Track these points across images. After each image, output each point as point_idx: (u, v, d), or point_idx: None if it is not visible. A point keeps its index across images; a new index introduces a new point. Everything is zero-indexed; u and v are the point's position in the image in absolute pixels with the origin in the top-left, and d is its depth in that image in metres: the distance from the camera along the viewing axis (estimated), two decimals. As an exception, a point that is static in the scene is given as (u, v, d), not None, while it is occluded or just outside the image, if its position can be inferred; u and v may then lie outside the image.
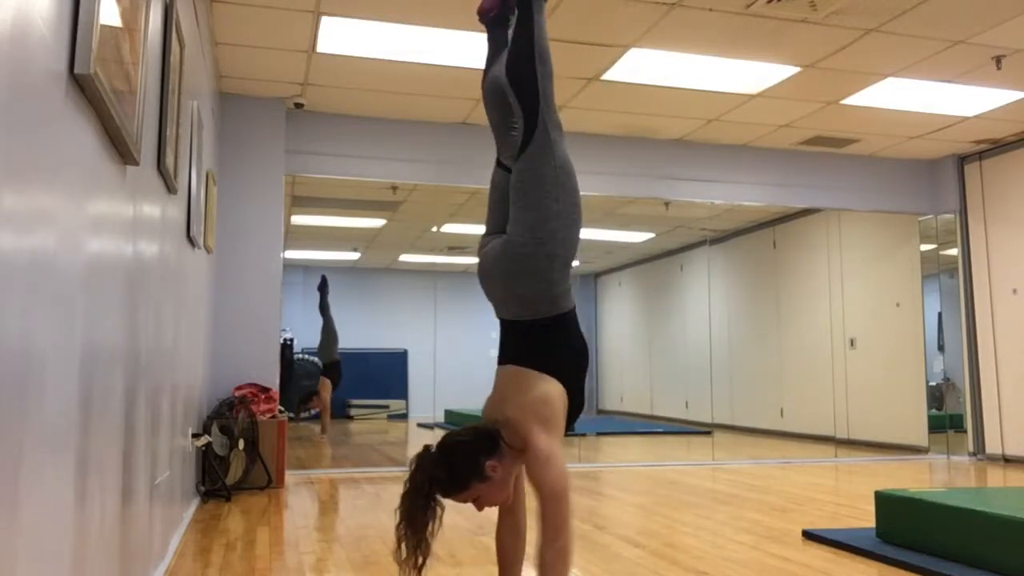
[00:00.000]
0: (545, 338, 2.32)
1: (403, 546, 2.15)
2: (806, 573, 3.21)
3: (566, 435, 2.34)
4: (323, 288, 9.66)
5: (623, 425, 10.02)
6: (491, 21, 2.69)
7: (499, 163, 2.56)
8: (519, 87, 2.39)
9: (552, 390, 2.26)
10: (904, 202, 7.67)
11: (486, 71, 2.67)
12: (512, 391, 2.27)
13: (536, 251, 2.31)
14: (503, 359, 2.38)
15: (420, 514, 2.15)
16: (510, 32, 2.53)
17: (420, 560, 2.18)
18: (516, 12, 2.46)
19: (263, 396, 5.57)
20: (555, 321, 2.35)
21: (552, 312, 2.35)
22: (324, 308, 9.58)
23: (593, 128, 6.73)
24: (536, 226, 2.31)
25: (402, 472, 6.30)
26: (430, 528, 2.18)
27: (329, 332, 9.47)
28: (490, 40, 2.70)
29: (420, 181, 6.67)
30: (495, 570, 3.24)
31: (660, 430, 9.77)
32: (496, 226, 2.46)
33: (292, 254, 9.97)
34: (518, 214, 2.34)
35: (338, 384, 9.37)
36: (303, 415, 10.43)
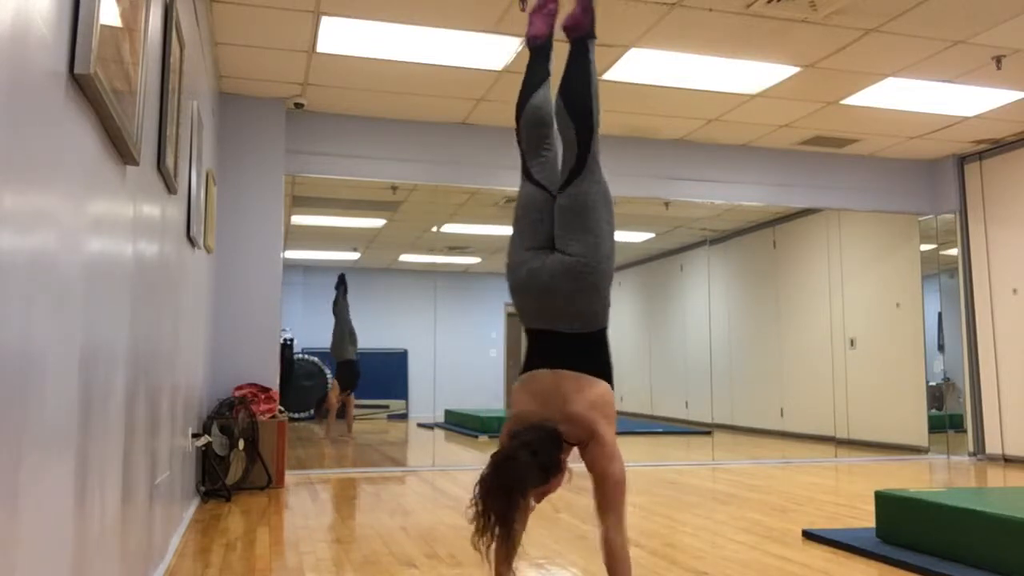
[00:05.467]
0: (598, 348, 2.56)
1: (491, 542, 2.31)
2: (806, 573, 3.21)
3: None
4: (339, 286, 9.68)
5: (623, 425, 10.01)
6: (537, 49, 2.83)
7: (534, 182, 2.69)
8: (581, 119, 2.60)
9: (609, 391, 2.51)
10: (904, 202, 7.67)
11: (528, 96, 2.78)
12: (572, 391, 2.46)
13: (597, 269, 2.53)
14: (547, 365, 2.52)
15: (514, 511, 2.33)
16: (550, 66, 2.79)
17: (512, 551, 2.41)
18: (571, 46, 2.68)
19: (263, 396, 5.57)
20: (603, 333, 2.59)
21: (603, 325, 2.59)
22: (335, 305, 9.58)
23: (593, 128, 6.72)
24: (596, 247, 2.54)
25: (402, 472, 6.32)
26: (521, 522, 2.43)
27: (338, 330, 9.45)
28: (532, 67, 2.82)
29: (420, 181, 6.67)
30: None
31: (660, 430, 9.77)
32: (539, 242, 2.61)
33: (292, 254, 9.98)
34: (578, 236, 2.54)
35: (350, 385, 9.28)
36: (301, 415, 10.45)
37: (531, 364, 2.55)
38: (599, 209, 2.56)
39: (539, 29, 2.82)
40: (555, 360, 2.53)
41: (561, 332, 2.54)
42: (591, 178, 2.57)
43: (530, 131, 2.75)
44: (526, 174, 2.71)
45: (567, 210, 2.56)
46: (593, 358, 2.53)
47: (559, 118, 2.66)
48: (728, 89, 5.80)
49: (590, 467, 2.46)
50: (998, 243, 7.23)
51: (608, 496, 2.42)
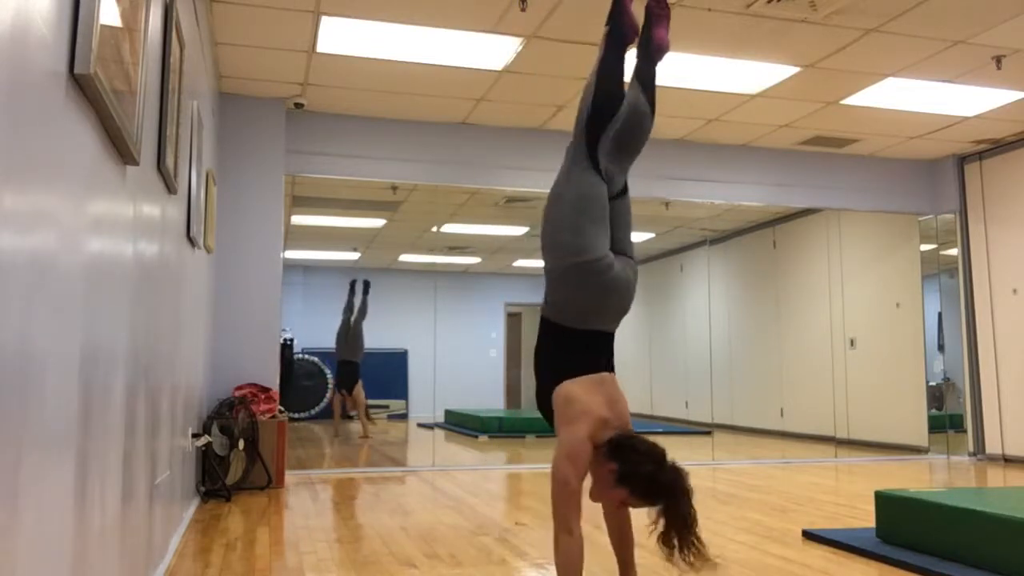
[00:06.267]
0: None
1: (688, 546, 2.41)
2: (806, 573, 3.21)
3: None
4: (352, 288, 9.80)
5: (623, 425, 9.98)
6: (627, 47, 2.76)
7: (605, 178, 2.63)
8: (652, 123, 2.73)
9: None
10: (904, 202, 7.66)
11: (622, 94, 2.72)
12: (620, 396, 2.58)
13: None
14: (607, 368, 2.59)
15: None
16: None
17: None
18: (654, 62, 2.77)
19: (263, 396, 5.57)
20: None
21: None
22: (349, 307, 9.71)
23: (593, 128, 6.72)
24: None
25: (402, 472, 6.32)
26: None
27: (339, 330, 9.59)
28: (621, 64, 2.73)
29: (420, 181, 6.67)
30: (496, 569, 3.25)
31: (660, 430, 9.76)
32: (610, 245, 2.64)
33: (292, 254, 9.98)
34: (630, 242, 2.71)
35: (342, 384, 9.38)
36: (301, 414, 10.50)
37: (593, 365, 2.55)
38: None
39: (637, 25, 2.74)
40: (609, 362, 2.61)
41: (612, 333, 2.64)
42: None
43: (626, 127, 2.67)
44: (597, 168, 2.60)
45: (629, 216, 2.70)
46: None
47: (645, 120, 2.69)
48: (728, 89, 5.79)
49: None
50: (998, 243, 7.23)
51: None
